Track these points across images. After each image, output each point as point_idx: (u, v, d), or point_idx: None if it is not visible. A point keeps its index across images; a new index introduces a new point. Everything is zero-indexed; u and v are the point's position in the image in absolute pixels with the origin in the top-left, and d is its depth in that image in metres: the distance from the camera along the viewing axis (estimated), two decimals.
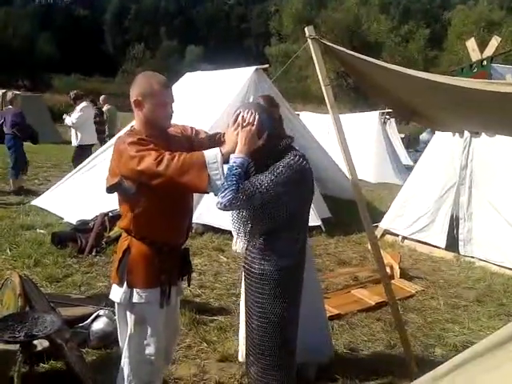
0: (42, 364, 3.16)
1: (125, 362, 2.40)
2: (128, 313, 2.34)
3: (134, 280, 2.29)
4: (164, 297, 2.34)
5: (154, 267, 2.30)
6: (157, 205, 2.25)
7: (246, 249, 2.33)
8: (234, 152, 2.22)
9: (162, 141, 2.29)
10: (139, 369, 2.38)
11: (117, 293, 2.34)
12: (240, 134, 2.22)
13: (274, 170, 2.19)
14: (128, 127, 2.32)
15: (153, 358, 2.36)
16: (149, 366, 2.37)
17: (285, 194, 2.19)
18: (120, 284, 2.31)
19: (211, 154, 2.15)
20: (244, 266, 2.41)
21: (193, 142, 2.54)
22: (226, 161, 2.20)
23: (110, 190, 2.30)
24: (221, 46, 51.61)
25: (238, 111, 2.30)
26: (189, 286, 2.71)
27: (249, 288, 2.35)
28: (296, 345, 2.48)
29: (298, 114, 12.40)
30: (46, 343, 2.98)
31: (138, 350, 2.35)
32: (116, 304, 2.39)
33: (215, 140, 2.58)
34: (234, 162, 2.17)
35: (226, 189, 2.12)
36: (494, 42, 5.65)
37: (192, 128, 2.67)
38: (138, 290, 2.29)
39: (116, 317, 2.45)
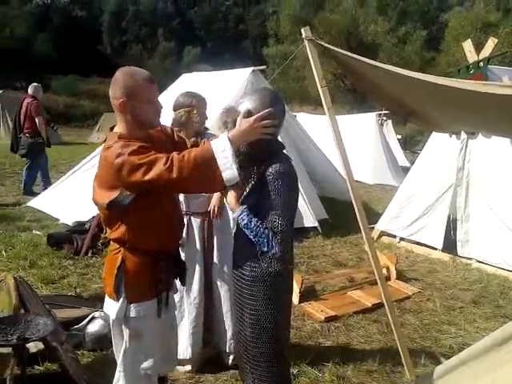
0: (36, 366, 3.15)
1: (120, 376, 2.31)
2: (124, 327, 2.24)
3: (132, 295, 2.19)
4: (161, 306, 2.28)
5: (151, 279, 2.22)
6: (150, 212, 2.14)
7: (236, 253, 2.28)
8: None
9: (148, 143, 2.15)
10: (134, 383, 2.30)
11: (112, 308, 2.23)
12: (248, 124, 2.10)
13: (276, 188, 2.13)
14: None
15: (149, 372, 2.27)
16: (144, 382, 2.29)
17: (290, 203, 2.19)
18: (116, 299, 2.20)
19: (219, 143, 2.03)
20: (234, 271, 2.34)
21: (176, 144, 2.45)
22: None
23: (111, 204, 2.09)
24: (218, 47, 51.45)
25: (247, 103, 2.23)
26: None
27: (240, 293, 2.29)
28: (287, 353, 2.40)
29: (296, 116, 12.39)
30: (41, 345, 2.96)
31: (133, 365, 2.26)
32: (111, 319, 2.28)
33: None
34: None
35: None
36: (491, 44, 5.64)
37: (171, 128, 2.62)
38: (135, 304, 2.19)
39: (112, 332, 2.34)
